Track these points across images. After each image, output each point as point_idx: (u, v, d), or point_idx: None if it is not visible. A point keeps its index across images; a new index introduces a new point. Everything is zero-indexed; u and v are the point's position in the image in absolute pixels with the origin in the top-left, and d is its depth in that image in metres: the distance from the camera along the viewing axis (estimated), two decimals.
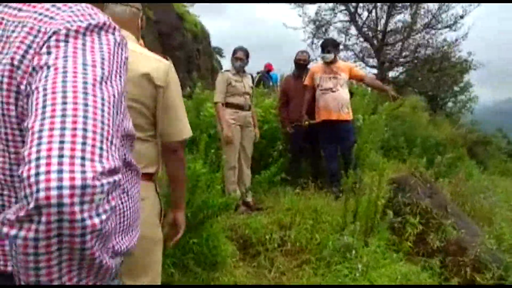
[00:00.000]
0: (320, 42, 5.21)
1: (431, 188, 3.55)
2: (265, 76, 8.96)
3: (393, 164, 5.33)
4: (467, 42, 11.68)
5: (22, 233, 0.51)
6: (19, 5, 0.70)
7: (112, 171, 0.55)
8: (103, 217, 0.53)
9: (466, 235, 3.09)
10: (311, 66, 5.00)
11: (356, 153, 4.59)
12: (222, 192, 3.45)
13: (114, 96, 0.62)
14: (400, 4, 11.63)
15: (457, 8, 11.35)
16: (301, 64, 4.79)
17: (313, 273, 2.72)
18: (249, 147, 4.10)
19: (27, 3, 0.70)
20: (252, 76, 4.26)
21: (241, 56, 4.02)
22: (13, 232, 0.51)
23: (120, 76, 0.66)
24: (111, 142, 0.58)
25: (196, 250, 2.60)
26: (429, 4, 11.53)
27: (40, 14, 0.67)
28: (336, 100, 4.28)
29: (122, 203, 0.88)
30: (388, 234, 3.11)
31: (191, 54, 10.09)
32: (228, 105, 3.94)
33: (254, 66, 9.61)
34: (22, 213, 0.51)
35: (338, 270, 2.64)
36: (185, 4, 11.27)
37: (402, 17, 11.92)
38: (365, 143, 4.78)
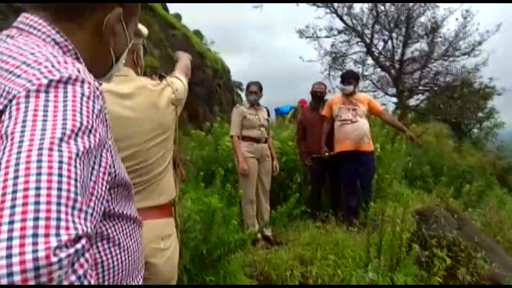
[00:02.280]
0: (339, 73, 5.25)
1: (458, 219, 3.38)
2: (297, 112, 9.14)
3: (418, 195, 5.15)
4: (488, 68, 11.49)
5: None
6: None
7: (75, 240, 0.52)
8: None
9: (500, 268, 2.89)
10: (328, 97, 5.02)
11: (378, 183, 4.46)
12: (239, 226, 3.38)
13: (77, 154, 0.58)
14: (416, 34, 11.66)
15: (475, 35, 11.28)
16: (317, 96, 4.80)
17: None
18: (266, 179, 4.06)
19: (4, 61, 0.67)
20: (267, 109, 4.31)
21: (254, 90, 4.10)
22: None
23: (90, 131, 0.62)
24: (73, 207, 0.54)
25: None
26: (445, 32, 11.53)
27: (10, 72, 0.65)
28: (356, 131, 4.24)
29: (112, 257, 0.83)
30: (415, 269, 2.94)
31: (212, 89, 10.34)
32: (244, 138, 3.96)
33: (272, 98, 9.79)
34: None
35: None
36: (200, 37, 11.72)
37: (418, 46, 11.92)
38: (386, 173, 4.65)
